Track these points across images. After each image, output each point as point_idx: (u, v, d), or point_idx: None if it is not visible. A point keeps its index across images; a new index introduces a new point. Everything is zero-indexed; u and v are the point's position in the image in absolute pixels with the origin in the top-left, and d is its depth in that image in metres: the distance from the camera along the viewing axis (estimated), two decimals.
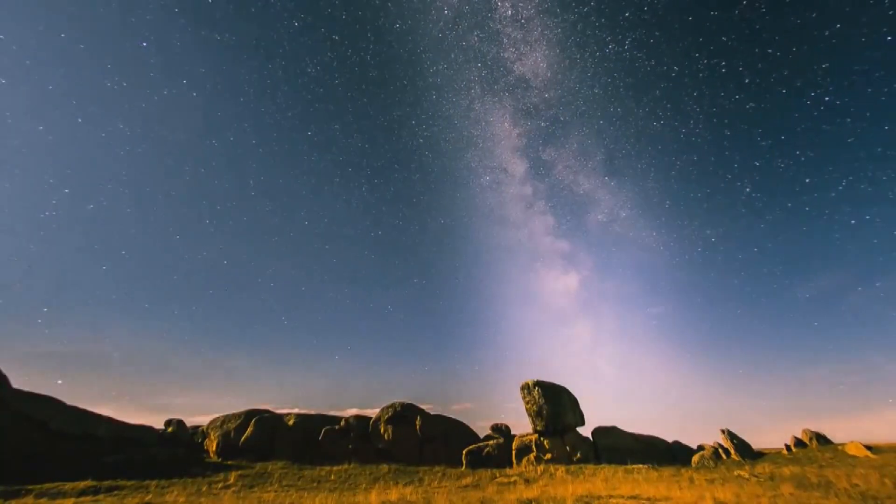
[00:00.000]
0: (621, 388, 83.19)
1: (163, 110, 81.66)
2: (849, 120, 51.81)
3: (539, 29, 64.94)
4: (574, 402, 27.96)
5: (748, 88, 58.96)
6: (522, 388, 27.89)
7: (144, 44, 73.48)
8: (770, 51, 55.18)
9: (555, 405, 26.54)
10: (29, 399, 22.65)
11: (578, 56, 67.28)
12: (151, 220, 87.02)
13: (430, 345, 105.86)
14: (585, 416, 28.23)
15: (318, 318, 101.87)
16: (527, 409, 27.03)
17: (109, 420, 23.99)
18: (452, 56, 74.91)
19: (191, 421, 29.69)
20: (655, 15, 59.12)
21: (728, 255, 74.20)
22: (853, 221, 54.78)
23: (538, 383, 27.59)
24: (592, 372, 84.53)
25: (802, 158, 57.44)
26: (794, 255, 68.33)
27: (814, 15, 51.72)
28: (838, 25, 49.08)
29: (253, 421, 26.83)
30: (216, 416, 28.54)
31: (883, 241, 55.21)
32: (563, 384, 28.65)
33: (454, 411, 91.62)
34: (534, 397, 26.97)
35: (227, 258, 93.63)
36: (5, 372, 22.53)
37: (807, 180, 57.90)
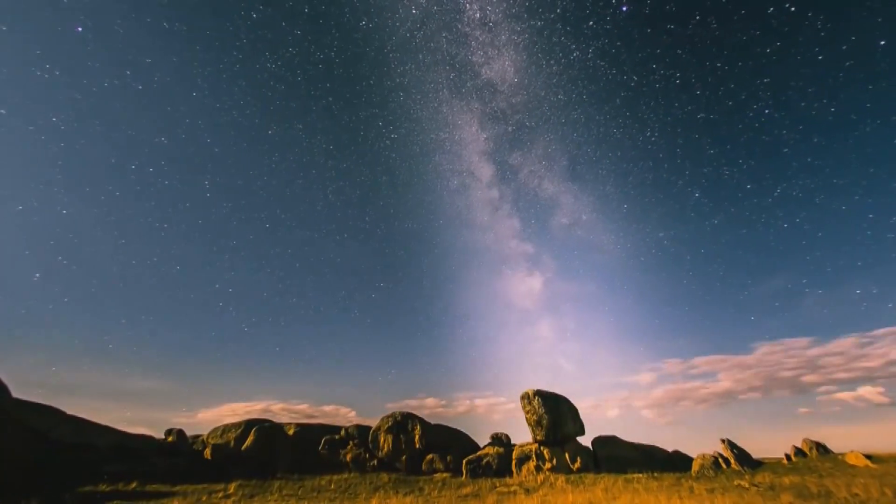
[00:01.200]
0: (580, 384, 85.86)
1: (102, 103, 74.69)
2: (784, 132, 56.86)
3: (506, 33, 66.16)
4: (574, 412, 27.97)
5: (699, 100, 63.81)
6: (522, 398, 27.92)
7: (80, 28, 66.47)
8: (719, 65, 60.03)
9: (554, 415, 26.57)
10: (29, 409, 22.70)
11: (544, 62, 68.81)
12: (92, 224, 79.40)
13: (397, 348, 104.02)
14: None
15: (280, 324, 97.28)
16: (527, 419, 27.04)
17: (109, 430, 24.00)
18: (420, 57, 75.13)
19: (190, 431, 29.62)
20: (617, 25, 62.11)
21: (678, 256, 78.65)
22: (786, 225, 59.76)
23: (538, 393, 27.64)
24: (554, 369, 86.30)
25: (744, 166, 63.50)
26: (735, 257, 73.83)
27: (757, 33, 56.54)
28: (778, 43, 53.93)
29: (253, 431, 26.80)
30: (217, 426, 28.54)
31: (810, 242, 60.62)
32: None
33: (412, 406, 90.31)
34: (534, 407, 26.99)
35: (181, 263, 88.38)
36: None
37: (748, 186, 63.91)
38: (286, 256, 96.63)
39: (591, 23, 61.95)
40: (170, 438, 26.62)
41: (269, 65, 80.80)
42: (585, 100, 73.05)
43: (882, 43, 47.79)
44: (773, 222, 66.72)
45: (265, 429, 27.25)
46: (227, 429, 27.64)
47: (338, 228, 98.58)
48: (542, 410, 26.64)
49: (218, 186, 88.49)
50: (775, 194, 62.51)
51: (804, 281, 66.72)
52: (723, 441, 27.37)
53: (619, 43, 65.57)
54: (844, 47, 49.53)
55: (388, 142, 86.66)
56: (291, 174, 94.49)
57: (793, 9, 49.35)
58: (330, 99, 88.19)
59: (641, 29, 62.24)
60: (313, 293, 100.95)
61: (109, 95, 74.38)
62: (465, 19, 66.06)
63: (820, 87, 56.26)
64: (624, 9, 57.32)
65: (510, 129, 77.86)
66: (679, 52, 61.39)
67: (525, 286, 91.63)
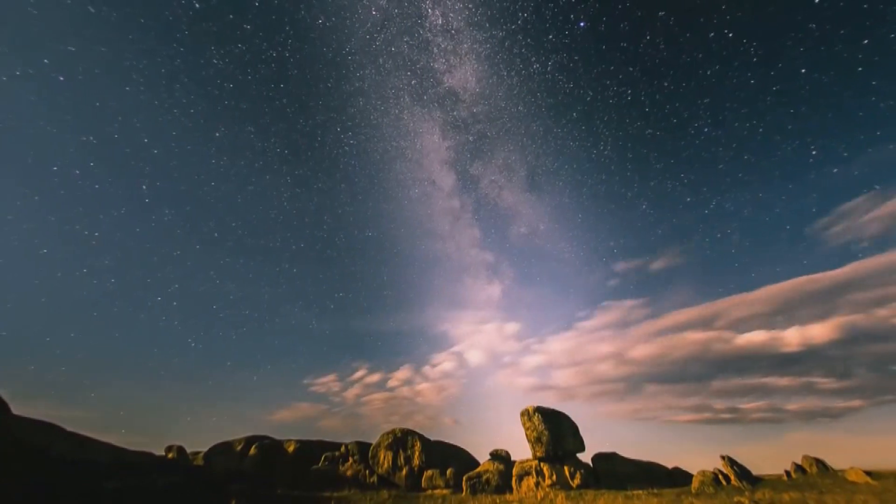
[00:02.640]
0: (537, 385, 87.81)
1: (16, 95, 64.74)
2: (720, 149, 62.98)
3: (469, 42, 67.19)
4: (574, 428, 27.98)
5: (648, 117, 68.72)
6: (522, 415, 27.96)
7: None
8: (666, 84, 64.82)
9: (554, 431, 26.59)
10: (29, 425, 22.71)
11: (505, 73, 70.38)
12: (6, 232, 70.52)
13: (356, 359, 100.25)
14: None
15: (231, 338, 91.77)
16: (527, 436, 27.04)
17: (109, 446, 23.96)
18: (381, 61, 74.17)
19: (191, 447, 29.52)
20: (575, 40, 65.01)
21: (627, 265, 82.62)
22: (718, 235, 65.72)
23: (538, 409, 27.70)
24: (512, 372, 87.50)
25: (686, 180, 69.67)
26: (675, 267, 79.55)
27: (700, 56, 61.84)
28: (717, 66, 59.67)
29: (253, 447, 26.75)
30: (217, 442, 28.45)
31: (739, 251, 67.03)
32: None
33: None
34: (534, 423, 27.03)
35: (115, 276, 79.94)
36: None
37: (687, 199, 69.41)
38: (237, 266, 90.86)
39: (550, 36, 64.41)
40: (170, 455, 26.54)
41: (214, 61, 73.37)
42: (544, 112, 75.32)
43: (803, 71, 51.81)
44: (709, 232, 73.24)
45: (265, 445, 27.20)
46: (227, 445, 27.56)
47: (294, 237, 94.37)
48: (541, 427, 26.67)
49: (158, 191, 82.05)
50: (711, 206, 68.98)
51: (731, 286, 73.83)
52: (722, 458, 27.37)
53: (576, 58, 68.22)
54: (772, 73, 54.89)
55: (346, 148, 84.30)
56: (242, 180, 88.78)
57: (731, 35, 54.65)
58: (284, 101, 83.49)
59: (597, 45, 65.89)
60: (269, 304, 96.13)
61: (23, 86, 63.66)
62: (427, 25, 66.73)
63: (751, 109, 62.43)
64: (581, 24, 60.78)
65: (471, 138, 79.03)
66: (631, 69, 65.69)
67: (485, 294, 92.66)
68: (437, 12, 63.84)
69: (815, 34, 51.15)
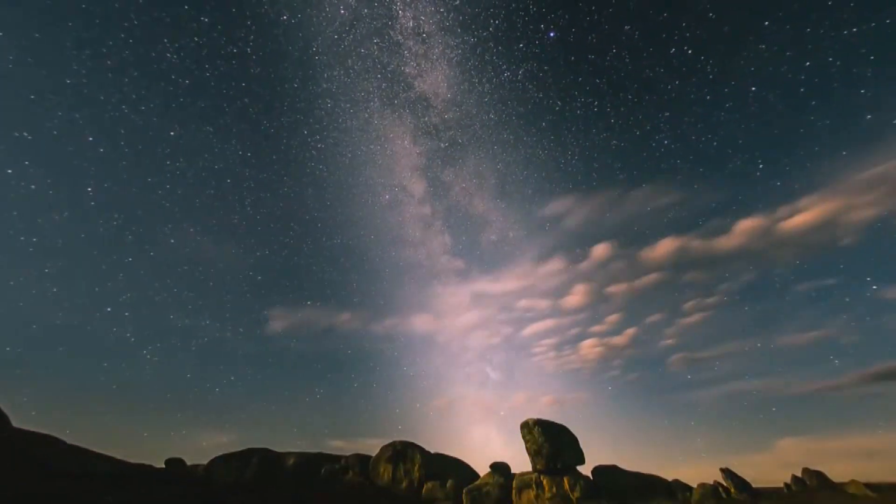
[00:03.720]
0: (503, 390, 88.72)
1: None
2: (678, 161, 67.95)
3: (440, 47, 67.16)
4: (574, 441, 28.01)
5: (613, 128, 73.09)
6: (523, 427, 28.02)
7: None
8: (630, 97, 69.41)
9: (555, 444, 26.64)
10: (30, 438, 22.76)
11: (476, 80, 70.81)
12: None
13: (325, 369, 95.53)
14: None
15: (191, 350, 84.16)
16: (527, 448, 27.08)
17: (110, 459, 23.96)
18: (349, 63, 70.73)
19: (191, 460, 29.44)
20: (545, 50, 66.89)
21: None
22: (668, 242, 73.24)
23: (538, 422, 27.77)
24: (480, 378, 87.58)
25: (647, 190, 74.62)
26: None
27: (661, 71, 65.72)
28: (677, 82, 64.43)
29: (254, 459, 26.75)
30: (217, 454, 28.40)
31: (691, 260, 74.74)
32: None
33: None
34: (534, 436, 27.08)
35: (58, 285, 70.99)
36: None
37: (647, 208, 74.04)
38: (196, 274, 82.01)
39: (521, 45, 65.58)
40: (170, 468, 26.51)
41: (168, 55, 66.98)
42: (514, 121, 76.47)
43: (753, 89, 56.95)
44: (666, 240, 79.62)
45: (266, 457, 27.21)
46: (227, 457, 27.52)
47: (258, 243, 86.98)
48: (541, 439, 26.73)
49: (106, 194, 72.25)
50: (669, 216, 73.46)
51: (687, 292, 79.02)
52: (722, 470, 27.44)
53: (546, 67, 69.88)
54: (726, 90, 60.74)
55: (314, 152, 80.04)
56: (201, 183, 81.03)
57: (690, 51, 59.35)
58: (246, 100, 76.41)
59: (566, 56, 68.32)
60: (231, 314, 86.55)
61: None
62: (398, 27, 66.22)
63: (706, 124, 67.95)
64: (551, 35, 62.99)
65: (443, 145, 78.91)
66: (598, 81, 69.10)
67: (455, 300, 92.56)
68: (409, 14, 63.94)
69: (764, 55, 56.49)
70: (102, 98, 65.72)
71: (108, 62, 64.11)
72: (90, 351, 75.92)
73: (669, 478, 29.03)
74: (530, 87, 70.17)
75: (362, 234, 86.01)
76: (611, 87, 67.97)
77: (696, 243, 70.82)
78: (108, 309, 72.58)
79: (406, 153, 79.73)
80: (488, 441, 77.70)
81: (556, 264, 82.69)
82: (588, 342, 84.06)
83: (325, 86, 74.04)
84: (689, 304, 74.70)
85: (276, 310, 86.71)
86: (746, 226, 64.29)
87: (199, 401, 77.97)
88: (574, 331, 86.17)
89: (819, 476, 27.63)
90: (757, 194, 67.36)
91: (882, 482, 25.75)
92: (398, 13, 64.03)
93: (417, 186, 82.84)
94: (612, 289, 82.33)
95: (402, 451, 28.73)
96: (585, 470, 27.60)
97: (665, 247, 72.16)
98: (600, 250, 78.65)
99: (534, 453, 26.74)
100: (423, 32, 65.86)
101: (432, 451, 29.97)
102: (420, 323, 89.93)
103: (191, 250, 79.37)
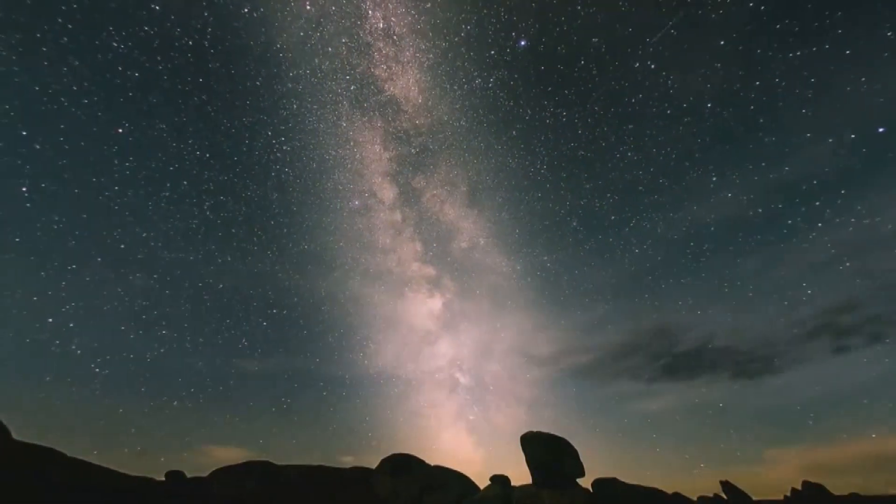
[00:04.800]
0: (474, 396, 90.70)
1: None
2: (640, 173, 72.44)
3: (411, 50, 66.65)
4: (574, 454, 28.06)
5: (580, 139, 76.31)
6: (522, 440, 28.08)
7: None
8: (596, 108, 72.32)
9: (555, 456, 26.69)
10: (30, 450, 22.78)
11: (448, 86, 70.91)
12: None
13: (292, 378, 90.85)
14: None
15: (145, 361, 79.99)
16: (527, 461, 27.13)
17: (110, 472, 23.97)
18: (317, 62, 68.31)
19: (192, 472, 29.40)
20: (515, 58, 68.03)
21: (558, 276, 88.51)
22: (636, 251, 77.01)
23: (538, 434, 27.85)
24: (451, 383, 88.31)
25: (611, 200, 79.94)
26: (598, 278, 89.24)
27: (626, 84, 69.22)
28: (640, 95, 68.30)
29: (253, 472, 26.78)
30: (218, 467, 28.41)
31: (653, 265, 77.13)
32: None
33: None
34: (534, 448, 27.15)
35: None
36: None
37: (612, 217, 78.38)
38: (150, 282, 79.53)
39: (492, 52, 65.99)
40: (171, 481, 26.50)
41: (114, 43, 61.59)
42: (486, 128, 77.23)
43: (709, 105, 61.31)
44: (628, 248, 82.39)
45: (266, 470, 27.23)
46: (227, 470, 27.53)
47: (219, 249, 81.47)
48: (541, 452, 26.79)
49: (44, 195, 66.33)
50: (630, 225, 76.65)
51: (646, 296, 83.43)
52: (721, 483, 27.54)
53: (516, 76, 71.07)
54: (685, 105, 65.00)
55: (279, 154, 76.45)
56: (154, 184, 73.99)
57: (653, 66, 63.03)
58: (203, 97, 71.22)
59: (536, 65, 69.87)
60: (190, 323, 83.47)
61: None
62: (368, 27, 65.18)
63: (667, 137, 71.78)
64: (522, 43, 64.69)
65: (414, 150, 78.65)
66: (566, 92, 71.18)
67: (426, 308, 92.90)
68: (378, 15, 63.25)
69: (719, 73, 61.57)
70: (37, 89, 59.34)
71: (44, 48, 57.74)
72: (30, 367, 68.04)
73: (670, 491, 29.13)
74: (501, 95, 71.78)
75: (331, 241, 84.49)
76: (579, 98, 71.20)
77: None
78: (49, 320, 62.83)
79: (376, 158, 78.94)
80: (459, 444, 78.27)
81: None
82: None
83: (290, 85, 70.68)
84: None
85: (240, 318, 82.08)
86: None
87: (154, 415, 72.32)
88: None
89: (818, 488, 27.73)
90: (710, 206, 71.73)
91: (884, 494, 25.86)
92: (368, 13, 63.17)
93: (388, 192, 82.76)
94: None
95: (402, 464, 28.77)
96: (586, 482, 27.70)
97: None
98: None
99: (533, 466, 26.79)
100: (394, 34, 65.45)
101: (432, 464, 30.06)
102: (390, 330, 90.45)
103: (144, 257, 72.57)
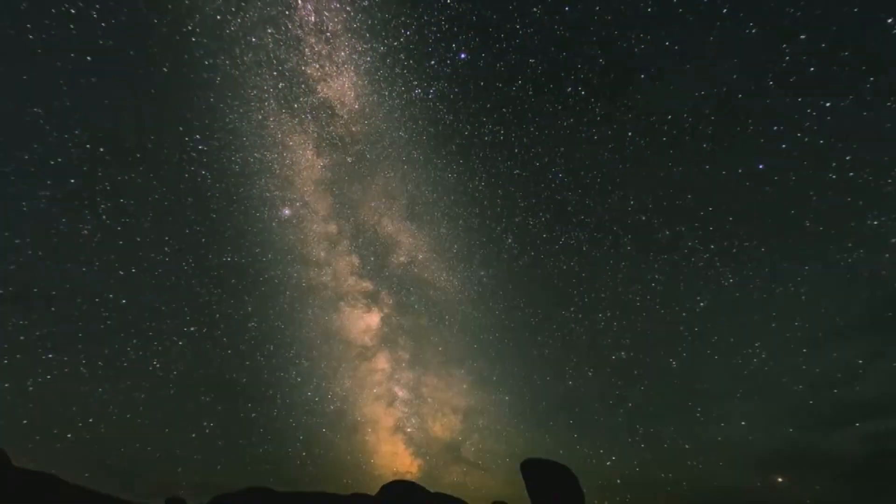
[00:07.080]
0: (412, 409, 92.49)
1: None
2: (569, 193, 79.34)
3: (347, 50, 63.81)
4: (574, 480, 28.24)
5: (516, 157, 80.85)
6: (522, 466, 28.18)
7: None
8: (532, 129, 76.90)
9: (555, 483, 26.82)
10: (30, 477, 22.72)
11: (386, 93, 70.64)
12: None
13: (216, 401, 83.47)
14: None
15: (38, 382, 64.27)
16: (527, 487, 27.22)
17: (111, 499, 23.84)
18: (237, 52, 60.41)
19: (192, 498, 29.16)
20: (455, 71, 70.07)
21: (493, 291, 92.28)
22: (564, 267, 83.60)
23: (538, 461, 28.00)
24: (389, 397, 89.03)
25: (542, 219, 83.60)
26: (532, 292, 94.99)
27: (559, 107, 74.65)
28: (571, 120, 73.43)
29: (254, 499, 26.67)
30: (217, 494, 28.25)
31: (578, 280, 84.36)
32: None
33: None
34: (533, 475, 27.28)
35: None
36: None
37: (544, 235, 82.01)
38: (37, 299, 60.13)
39: (433, 62, 66.30)
40: None
41: None
42: (425, 141, 79.15)
43: (629, 134, 71.47)
44: (557, 265, 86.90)
45: (265, 497, 27.12)
46: (226, 497, 27.40)
47: (120, 259, 67.11)
48: (541, 478, 26.92)
49: None
50: (560, 243, 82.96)
51: (580, 314, 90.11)
52: None
53: (456, 89, 73.49)
54: (609, 132, 70.72)
55: (193, 154, 65.55)
56: (32, 184, 51.97)
57: (583, 92, 68.58)
58: (93, 79, 51.99)
59: (476, 80, 73.04)
60: (87, 344, 65.38)
61: None
62: (297, 19, 60.25)
63: (593, 161, 76.93)
64: (462, 56, 67.23)
65: (350, 159, 76.66)
66: (504, 110, 75.52)
67: (363, 322, 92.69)
68: (309, 7, 60.29)
69: (640, 104, 69.11)
70: None
71: None
72: None
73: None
74: (441, 107, 73.80)
75: (258, 252, 78.64)
76: (515, 118, 75.57)
77: None
78: None
79: (308, 165, 75.51)
80: (396, 455, 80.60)
81: None
82: None
83: (205, 76, 61.66)
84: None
85: (149, 338, 72.59)
86: None
87: (47, 442, 62.83)
88: None
89: None
90: (628, 228, 78.28)
91: None
92: (297, 2, 60.56)
93: (322, 202, 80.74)
94: None
95: (404, 493, 28.71)
96: None
97: None
98: None
99: (534, 492, 26.86)
100: (327, 31, 62.11)
101: (432, 490, 29.98)
102: (325, 346, 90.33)
103: (29, 269, 56.75)
